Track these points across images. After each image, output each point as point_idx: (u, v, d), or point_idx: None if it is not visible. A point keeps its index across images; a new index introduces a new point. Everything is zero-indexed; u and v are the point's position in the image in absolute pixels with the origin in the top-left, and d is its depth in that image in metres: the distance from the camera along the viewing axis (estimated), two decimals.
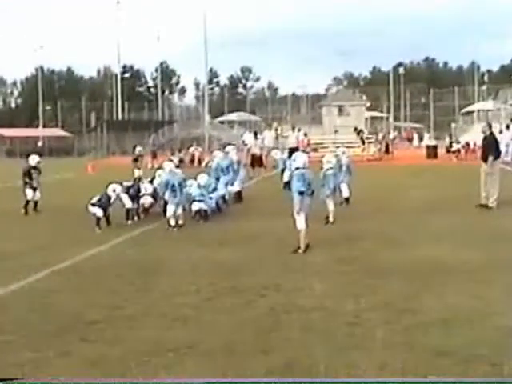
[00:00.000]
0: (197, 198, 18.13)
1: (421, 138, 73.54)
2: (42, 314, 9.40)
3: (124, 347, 7.91)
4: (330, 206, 17.25)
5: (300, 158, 14.13)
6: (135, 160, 30.43)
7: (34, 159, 21.73)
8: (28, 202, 20.82)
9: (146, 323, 8.84)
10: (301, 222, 13.48)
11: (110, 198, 17.40)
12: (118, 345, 8.00)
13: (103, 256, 13.78)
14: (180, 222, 17.15)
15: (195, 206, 18.06)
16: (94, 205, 17.20)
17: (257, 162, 34.56)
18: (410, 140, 55.49)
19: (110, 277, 11.65)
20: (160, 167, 21.29)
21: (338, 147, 22.71)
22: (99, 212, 17.06)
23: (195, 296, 10.18)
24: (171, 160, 22.94)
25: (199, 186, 18.64)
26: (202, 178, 19.24)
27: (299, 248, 13.36)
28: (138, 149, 33.03)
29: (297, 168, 13.94)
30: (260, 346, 7.84)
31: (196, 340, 8.07)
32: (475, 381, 5.53)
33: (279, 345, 7.86)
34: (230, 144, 24.55)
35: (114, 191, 17.53)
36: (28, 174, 21.24)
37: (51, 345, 8.07)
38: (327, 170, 17.69)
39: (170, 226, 16.91)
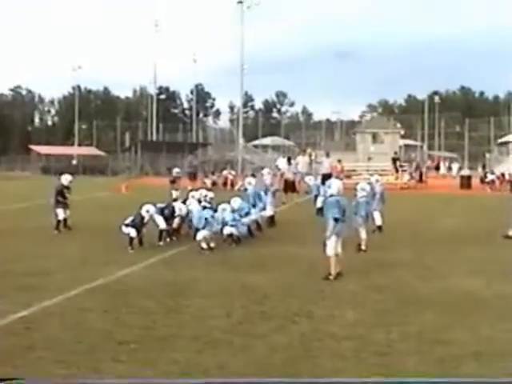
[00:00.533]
0: (229, 223, 18.13)
1: (449, 168, 73.00)
2: (74, 332, 9.46)
3: (155, 368, 7.93)
4: (363, 233, 17.19)
5: (335, 185, 14.13)
6: (173, 181, 30.51)
7: (66, 179, 21.95)
8: (59, 221, 20.98)
9: (177, 345, 8.85)
10: (331, 249, 13.44)
11: (143, 219, 17.50)
12: (149, 366, 8.02)
13: (135, 276, 13.83)
14: (211, 244, 17.17)
15: (227, 231, 18.06)
16: (127, 225, 17.31)
17: (290, 187, 34.50)
18: (437, 168, 54.79)
19: (141, 297, 11.69)
20: (197, 188, 21.37)
21: (371, 175, 22.46)
22: (133, 232, 17.16)
23: (226, 319, 10.18)
24: (204, 183, 23.05)
25: (233, 211, 18.67)
26: (236, 202, 19.26)
27: (330, 274, 13.31)
28: (176, 170, 33.13)
29: (331, 195, 13.94)
30: (290, 373, 7.82)
31: (226, 364, 8.07)
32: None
33: (309, 372, 7.83)
34: (263, 168, 24.51)
35: (148, 212, 17.63)
36: (61, 193, 21.44)
37: (82, 363, 8.13)
38: (361, 197, 17.66)
39: (202, 248, 16.94)
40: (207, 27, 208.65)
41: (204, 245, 16.99)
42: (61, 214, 21.01)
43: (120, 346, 8.78)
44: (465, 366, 8.01)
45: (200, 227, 17.22)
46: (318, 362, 8.17)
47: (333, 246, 13.44)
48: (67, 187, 21.75)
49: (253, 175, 27.57)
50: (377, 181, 21.42)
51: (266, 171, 22.97)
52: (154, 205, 18.24)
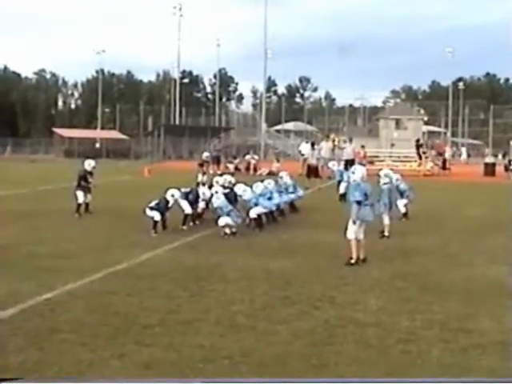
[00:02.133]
0: (252, 205, 18.16)
1: (453, 154, 71.16)
2: (98, 315, 9.52)
3: (179, 352, 7.96)
4: (386, 220, 17.13)
5: (359, 171, 14.09)
6: (201, 165, 30.47)
7: (89, 164, 22.07)
8: (80, 205, 21.08)
9: (201, 329, 8.87)
10: (351, 232, 13.41)
11: (168, 203, 17.55)
12: (173, 350, 8.05)
13: (159, 260, 13.89)
14: (233, 229, 17.17)
15: (253, 212, 18.08)
16: (152, 208, 17.36)
17: (313, 172, 34.47)
18: (441, 154, 53.34)
19: (165, 281, 11.73)
20: (221, 173, 21.32)
21: (394, 161, 21.13)
22: (157, 216, 17.21)
23: (249, 304, 10.20)
24: (227, 168, 23.01)
25: (254, 194, 18.71)
26: (258, 187, 19.28)
27: (351, 258, 13.29)
28: (206, 154, 33.01)
29: (355, 181, 13.91)
30: (313, 359, 7.82)
31: (250, 349, 8.08)
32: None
33: (333, 359, 7.83)
34: (280, 172, 24.20)
35: (173, 196, 17.67)
36: (84, 178, 21.57)
37: (107, 346, 8.17)
38: (384, 184, 17.59)
39: (224, 233, 16.97)
40: (231, 11, 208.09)
41: (227, 230, 17.01)
42: (81, 197, 21.12)
43: (144, 330, 8.82)
44: (488, 356, 7.97)
45: (222, 213, 17.21)
46: (341, 349, 8.15)
47: (354, 230, 13.41)
48: (90, 172, 21.87)
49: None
50: (385, 175, 18.50)
51: (284, 173, 22.80)
52: (179, 189, 18.27)
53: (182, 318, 9.39)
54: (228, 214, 17.09)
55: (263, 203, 18.42)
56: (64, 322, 9.13)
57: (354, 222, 13.44)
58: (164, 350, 8.03)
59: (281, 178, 22.21)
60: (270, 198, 19.30)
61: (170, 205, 17.62)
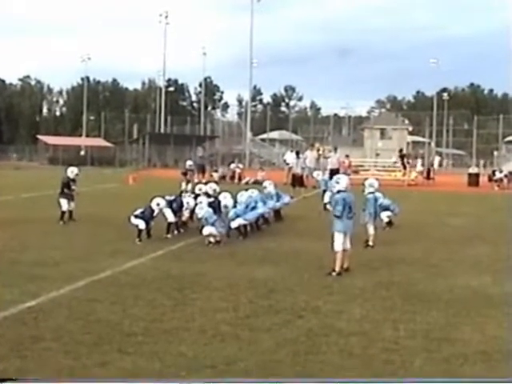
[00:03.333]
0: (233, 217, 18.11)
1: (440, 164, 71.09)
2: (81, 323, 9.48)
3: (162, 361, 7.93)
4: (370, 229, 17.16)
5: (343, 180, 14.11)
6: (184, 173, 30.46)
7: (72, 172, 22.01)
8: (64, 212, 21.02)
9: (185, 338, 8.85)
10: (338, 244, 13.43)
11: (153, 212, 17.51)
12: (156, 358, 8.02)
13: (143, 268, 13.84)
14: (218, 238, 17.14)
15: (234, 223, 18.05)
16: (136, 216, 17.33)
17: (298, 181, 34.51)
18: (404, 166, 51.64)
19: (149, 289, 11.71)
20: (206, 182, 21.26)
21: (365, 179, 19.62)
22: (142, 224, 17.18)
23: (233, 313, 10.19)
24: (211, 176, 23.00)
25: (240, 204, 18.73)
26: (243, 196, 19.33)
27: (333, 270, 13.30)
28: (189, 163, 33.01)
29: (339, 191, 13.93)
30: (297, 368, 7.81)
31: (234, 358, 8.06)
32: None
33: (316, 368, 7.82)
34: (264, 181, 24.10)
35: (158, 205, 17.62)
36: (67, 185, 21.52)
37: (89, 354, 8.13)
38: (369, 193, 17.62)
39: (209, 242, 16.94)
40: (217, 19, 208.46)
41: (211, 239, 16.99)
42: (64, 204, 21.07)
43: (127, 338, 8.80)
44: (471, 366, 7.99)
45: (206, 223, 17.16)
46: (325, 358, 8.16)
47: (340, 242, 13.43)
48: (73, 180, 21.83)
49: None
50: (370, 185, 18.23)
51: (267, 183, 22.75)
52: (164, 198, 18.24)
53: (165, 327, 9.37)
54: (213, 224, 17.07)
55: (244, 216, 18.36)
56: (47, 330, 9.08)
57: (341, 234, 13.46)
58: (147, 359, 8.00)
59: (264, 187, 22.17)
60: (254, 208, 19.28)
61: (155, 214, 17.59)
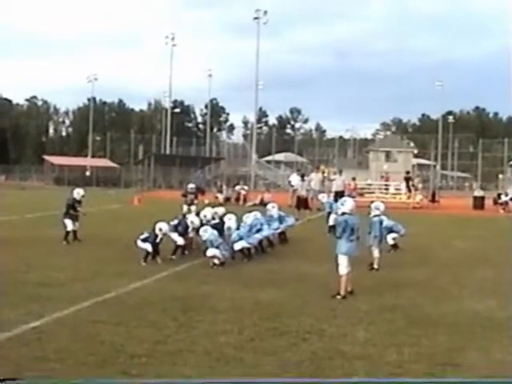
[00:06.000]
0: (238, 238, 18.11)
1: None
2: (85, 345, 9.46)
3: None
4: (375, 252, 17.12)
5: (348, 203, 14.11)
6: (184, 195, 30.39)
7: (78, 193, 22.15)
8: (68, 232, 21.11)
9: (189, 360, 8.83)
10: (343, 268, 13.42)
11: (156, 237, 17.48)
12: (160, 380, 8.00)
13: (147, 289, 13.82)
14: (222, 260, 17.10)
15: (237, 246, 18.04)
16: (143, 240, 17.35)
17: (303, 203, 34.45)
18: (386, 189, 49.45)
19: (153, 311, 11.69)
20: (209, 203, 21.29)
21: (371, 202, 19.50)
22: (149, 247, 17.18)
23: (238, 336, 10.16)
24: (217, 198, 22.98)
25: (244, 226, 18.75)
26: (248, 218, 19.34)
27: (339, 294, 13.26)
28: (191, 186, 32.95)
29: (343, 213, 13.92)
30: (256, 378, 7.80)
31: (238, 381, 8.02)
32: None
33: None
34: (268, 203, 23.97)
35: (161, 230, 17.58)
36: (72, 206, 21.62)
37: (93, 376, 8.10)
38: (374, 216, 17.60)
39: (214, 264, 16.92)
40: (223, 41, 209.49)
41: (216, 260, 16.96)
42: (69, 225, 21.16)
43: (131, 360, 8.78)
44: None
45: (211, 245, 17.14)
46: (329, 382, 8.12)
47: (345, 265, 13.42)
48: (79, 201, 21.92)
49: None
50: (376, 208, 18.12)
51: (270, 206, 22.66)
52: (168, 223, 18.21)
53: (169, 349, 9.35)
54: (217, 247, 17.06)
55: (248, 239, 18.34)
56: (50, 351, 9.07)
57: (346, 257, 13.46)
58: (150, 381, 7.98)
59: (268, 210, 22.10)
60: (259, 230, 19.26)
61: (158, 240, 17.53)
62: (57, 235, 21.27)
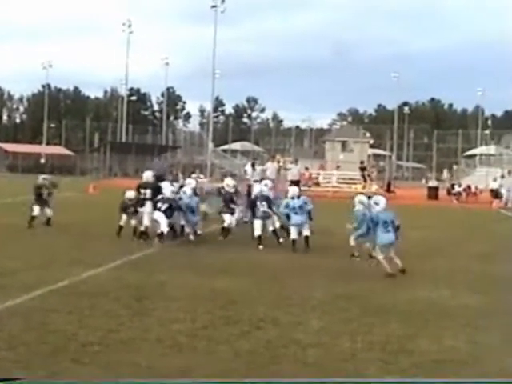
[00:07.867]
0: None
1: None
2: (37, 333, 9.34)
3: (117, 371, 7.86)
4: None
5: (382, 202, 16.10)
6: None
7: (43, 178, 22.96)
8: (33, 217, 21.08)
9: (141, 348, 8.77)
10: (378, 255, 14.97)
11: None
12: (111, 368, 7.94)
13: (101, 278, 13.69)
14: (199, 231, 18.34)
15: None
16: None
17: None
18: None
19: (106, 299, 11.57)
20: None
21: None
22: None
23: (191, 324, 10.12)
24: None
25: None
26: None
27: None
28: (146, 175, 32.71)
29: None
30: (252, 375, 7.79)
31: (190, 368, 8.01)
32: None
33: (270, 376, 7.80)
34: (231, 174, 24.10)
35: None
36: (38, 192, 21.69)
37: (43, 364, 8.01)
38: (357, 210, 17.52)
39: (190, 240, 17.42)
40: (180, 29, 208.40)
41: (192, 237, 17.47)
42: (36, 210, 21.53)
43: (83, 348, 8.69)
44: (427, 375, 8.03)
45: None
46: (281, 368, 8.14)
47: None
48: (43, 186, 22.09)
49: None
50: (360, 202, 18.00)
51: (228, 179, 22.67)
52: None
53: (122, 337, 9.28)
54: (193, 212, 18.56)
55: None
56: (2, 340, 8.94)
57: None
58: (102, 369, 7.91)
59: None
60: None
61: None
62: (11, 223, 20.98)
